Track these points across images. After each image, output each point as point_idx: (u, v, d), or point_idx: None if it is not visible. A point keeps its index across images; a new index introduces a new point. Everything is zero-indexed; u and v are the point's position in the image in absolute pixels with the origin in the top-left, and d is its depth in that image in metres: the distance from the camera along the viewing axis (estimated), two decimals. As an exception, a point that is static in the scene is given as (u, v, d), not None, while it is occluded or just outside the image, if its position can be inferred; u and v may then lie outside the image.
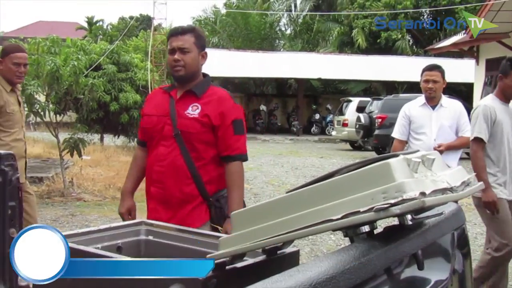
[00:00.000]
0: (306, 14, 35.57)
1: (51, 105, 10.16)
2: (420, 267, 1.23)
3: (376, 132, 16.85)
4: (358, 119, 19.75)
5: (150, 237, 1.77)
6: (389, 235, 1.19)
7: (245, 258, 1.34)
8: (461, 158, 5.73)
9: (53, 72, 9.15)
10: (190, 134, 3.11)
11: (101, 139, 17.40)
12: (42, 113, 9.73)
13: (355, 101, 22.48)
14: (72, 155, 9.80)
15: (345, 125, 21.64)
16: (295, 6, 37.70)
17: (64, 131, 10.48)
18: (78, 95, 10.96)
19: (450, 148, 5.07)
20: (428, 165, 1.20)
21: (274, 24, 37.01)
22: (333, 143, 23.11)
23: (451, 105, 5.32)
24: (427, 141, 5.05)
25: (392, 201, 1.04)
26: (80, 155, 9.88)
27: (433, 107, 5.22)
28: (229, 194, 3.17)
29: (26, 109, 9.33)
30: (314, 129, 28.07)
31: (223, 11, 36.77)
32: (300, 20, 36.73)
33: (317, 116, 28.71)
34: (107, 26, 38.51)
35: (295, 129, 28.03)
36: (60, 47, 10.43)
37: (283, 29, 38.39)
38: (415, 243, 1.22)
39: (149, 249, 1.74)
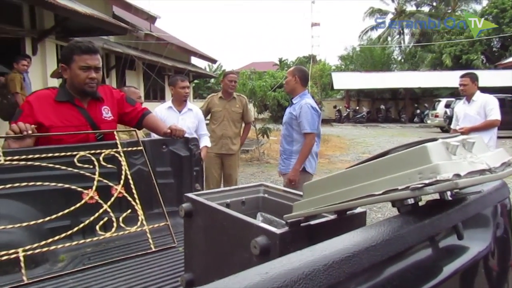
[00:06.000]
0: (412, 46, 32.84)
1: (254, 108, 10.27)
2: (460, 238, 0.81)
3: (458, 120, 14.92)
4: (446, 112, 17.70)
5: (266, 195, 1.48)
6: (431, 208, 0.79)
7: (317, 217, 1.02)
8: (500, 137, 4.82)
9: (251, 89, 9.22)
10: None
11: (284, 127, 17.49)
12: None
13: (443, 100, 20.16)
14: (263, 136, 9.84)
15: (436, 116, 19.52)
16: (404, 41, 34.94)
17: (259, 123, 10.48)
18: (267, 102, 10.99)
19: (473, 130, 4.14)
20: (468, 147, 0.77)
21: (390, 54, 34.63)
22: (428, 128, 20.92)
23: (480, 99, 4.33)
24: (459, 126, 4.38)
25: (427, 181, 0.66)
26: (268, 136, 9.89)
27: (468, 102, 4.41)
28: (158, 124, 2.35)
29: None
30: (416, 119, 25.69)
31: (358, 48, 35.08)
32: (407, 51, 33.99)
33: (418, 111, 26.29)
34: (290, 62, 38.51)
35: (403, 120, 26.02)
36: (256, 75, 10.50)
37: (395, 57, 35.69)
38: (455, 217, 0.80)
39: (264, 204, 1.46)
